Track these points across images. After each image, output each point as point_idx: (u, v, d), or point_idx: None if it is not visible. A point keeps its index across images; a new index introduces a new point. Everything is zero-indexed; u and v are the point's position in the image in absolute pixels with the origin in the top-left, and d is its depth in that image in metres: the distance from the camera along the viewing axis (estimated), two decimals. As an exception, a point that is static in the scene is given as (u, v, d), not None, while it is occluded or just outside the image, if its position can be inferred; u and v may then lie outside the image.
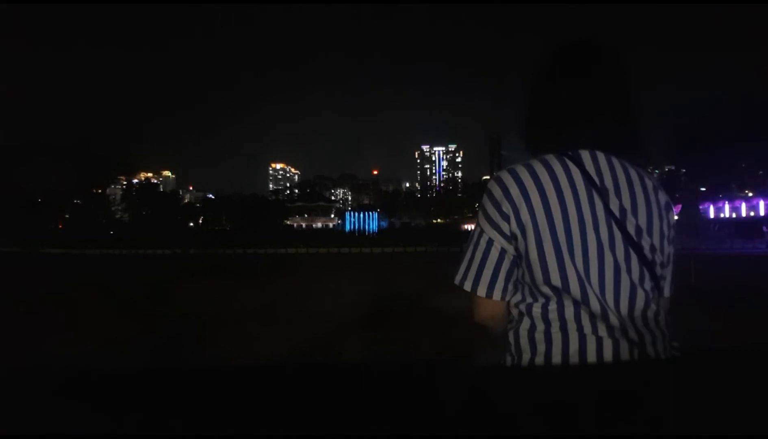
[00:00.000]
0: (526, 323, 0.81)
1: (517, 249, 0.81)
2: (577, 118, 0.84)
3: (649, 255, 0.78)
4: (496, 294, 0.83)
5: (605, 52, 0.86)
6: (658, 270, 0.80)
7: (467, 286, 0.85)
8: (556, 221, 0.77)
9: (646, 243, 0.78)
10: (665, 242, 0.82)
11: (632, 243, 0.77)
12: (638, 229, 0.78)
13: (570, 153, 0.82)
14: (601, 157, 0.82)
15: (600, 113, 0.84)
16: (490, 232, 0.83)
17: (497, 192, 0.82)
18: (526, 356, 0.80)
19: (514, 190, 0.80)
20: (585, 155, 0.81)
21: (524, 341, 0.80)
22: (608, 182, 0.79)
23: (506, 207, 0.80)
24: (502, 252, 0.82)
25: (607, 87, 0.84)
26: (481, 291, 0.84)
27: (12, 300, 8.10)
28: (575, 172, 0.79)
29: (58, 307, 7.18)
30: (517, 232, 0.80)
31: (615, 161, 0.82)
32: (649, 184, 0.82)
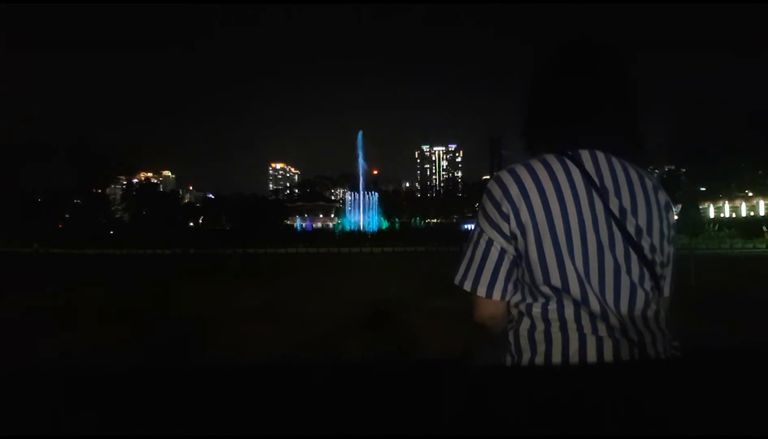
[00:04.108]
0: (526, 322, 0.81)
1: (516, 249, 0.81)
2: (577, 117, 0.84)
3: (649, 255, 0.78)
4: (496, 294, 0.83)
5: (605, 52, 0.86)
6: (658, 270, 0.80)
7: (467, 286, 0.85)
8: (555, 221, 0.77)
9: (646, 243, 0.78)
10: (665, 242, 0.82)
11: (632, 243, 0.77)
12: (638, 229, 0.78)
13: (570, 153, 0.82)
14: (600, 157, 0.82)
15: (600, 113, 0.84)
16: (489, 232, 0.83)
17: (497, 192, 0.82)
18: (526, 356, 0.80)
19: (514, 190, 0.80)
20: (585, 155, 0.81)
21: (524, 341, 0.80)
22: (608, 182, 0.79)
23: (506, 207, 0.80)
24: (502, 252, 0.82)
25: (607, 87, 0.84)
26: (481, 291, 0.84)
27: (12, 300, 8.09)
28: (575, 172, 0.79)
29: (58, 307, 7.18)
30: (517, 232, 0.80)
31: (615, 161, 0.82)
32: (649, 184, 0.82)
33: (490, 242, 0.83)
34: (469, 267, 0.85)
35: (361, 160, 45.75)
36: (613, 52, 0.86)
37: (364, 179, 45.16)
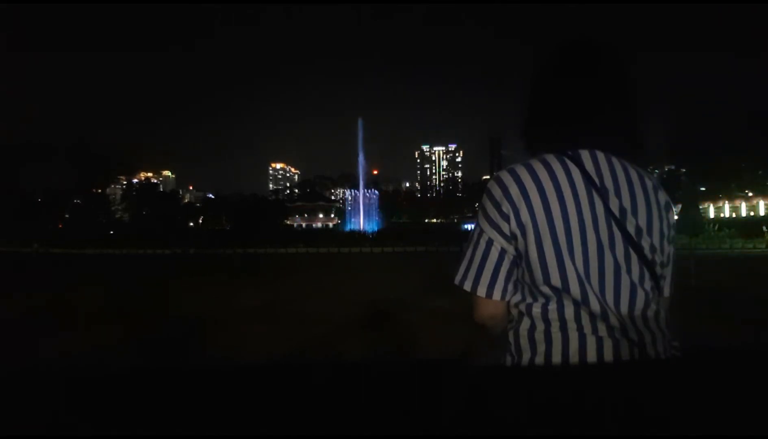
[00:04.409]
0: (525, 322, 0.81)
1: (517, 249, 0.81)
2: (577, 117, 0.84)
3: (649, 255, 0.78)
4: (496, 294, 0.83)
5: (605, 52, 0.86)
6: (658, 270, 0.80)
7: (467, 286, 0.85)
8: (555, 221, 0.77)
9: (646, 243, 0.78)
10: (665, 242, 0.82)
11: (632, 243, 0.77)
12: (638, 229, 0.78)
13: (570, 153, 0.82)
14: (600, 156, 0.82)
15: (600, 113, 0.84)
16: (489, 232, 0.83)
17: (497, 192, 0.82)
18: (526, 356, 0.80)
19: (514, 190, 0.80)
20: (585, 155, 0.81)
21: (524, 341, 0.80)
22: (608, 182, 0.79)
23: (506, 207, 0.80)
24: (502, 252, 0.82)
25: (607, 87, 0.84)
26: (481, 291, 0.83)
27: (12, 300, 8.09)
28: (575, 172, 0.79)
29: (58, 307, 7.18)
30: (517, 232, 0.80)
31: (615, 161, 0.82)
32: (649, 184, 0.82)
33: (490, 242, 0.83)
34: (469, 267, 0.85)
35: (361, 149, 44.10)
36: (612, 52, 0.86)
37: (364, 171, 44.16)
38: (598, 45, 0.87)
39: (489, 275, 0.83)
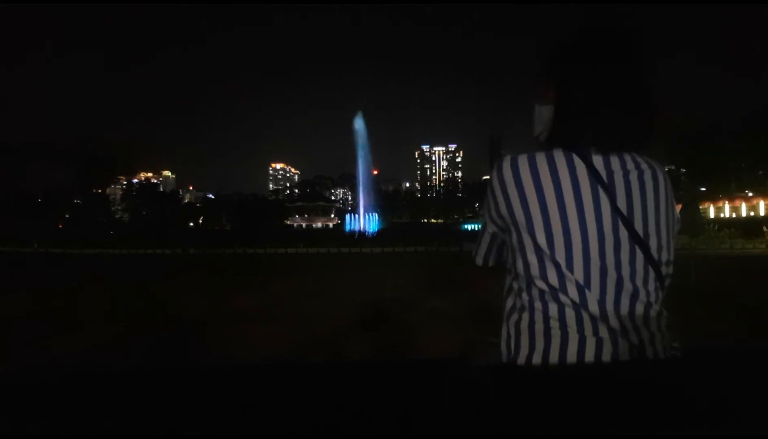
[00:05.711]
0: (525, 318, 0.80)
1: (512, 242, 0.83)
2: (584, 111, 0.82)
3: (655, 255, 0.77)
4: (488, 262, 1.02)
5: (616, 43, 0.83)
6: (664, 269, 0.79)
7: (473, 253, 1.04)
8: (553, 223, 0.76)
9: (653, 242, 0.77)
10: (671, 240, 0.81)
11: (639, 243, 0.76)
12: (646, 227, 0.77)
13: (579, 148, 0.80)
14: (612, 151, 0.80)
15: (608, 106, 0.80)
16: (489, 224, 0.91)
17: (497, 190, 0.83)
18: (523, 352, 0.79)
19: (512, 190, 0.80)
20: (594, 150, 0.80)
21: (524, 338, 0.80)
22: (618, 178, 0.78)
23: (503, 208, 0.82)
24: (494, 236, 0.94)
25: (616, 78, 0.81)
26: (478, 261, 1.04)
27: (12, 299, 8.09)
28: (580, 169, 0.77)
29: (59, 306, 7.17)
30: (516, 231, 0.81)
31: (626, 156, 0.80)
32: (661, 177, 0.81)
33: (485, 227, 0.95)
34: (476, 244, 1.02)
35: (360, 142, 41.04)
36: (625, 42, 0.82)
37: (365, 165, 41.87)
38: (608, 36, 0.83)
39: (483, 251, 1.00)
